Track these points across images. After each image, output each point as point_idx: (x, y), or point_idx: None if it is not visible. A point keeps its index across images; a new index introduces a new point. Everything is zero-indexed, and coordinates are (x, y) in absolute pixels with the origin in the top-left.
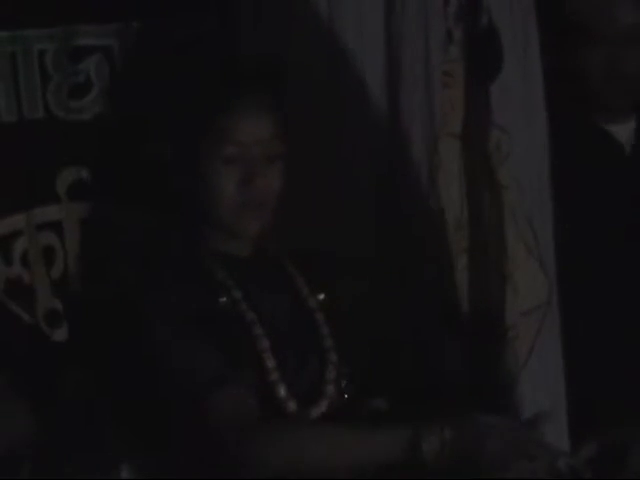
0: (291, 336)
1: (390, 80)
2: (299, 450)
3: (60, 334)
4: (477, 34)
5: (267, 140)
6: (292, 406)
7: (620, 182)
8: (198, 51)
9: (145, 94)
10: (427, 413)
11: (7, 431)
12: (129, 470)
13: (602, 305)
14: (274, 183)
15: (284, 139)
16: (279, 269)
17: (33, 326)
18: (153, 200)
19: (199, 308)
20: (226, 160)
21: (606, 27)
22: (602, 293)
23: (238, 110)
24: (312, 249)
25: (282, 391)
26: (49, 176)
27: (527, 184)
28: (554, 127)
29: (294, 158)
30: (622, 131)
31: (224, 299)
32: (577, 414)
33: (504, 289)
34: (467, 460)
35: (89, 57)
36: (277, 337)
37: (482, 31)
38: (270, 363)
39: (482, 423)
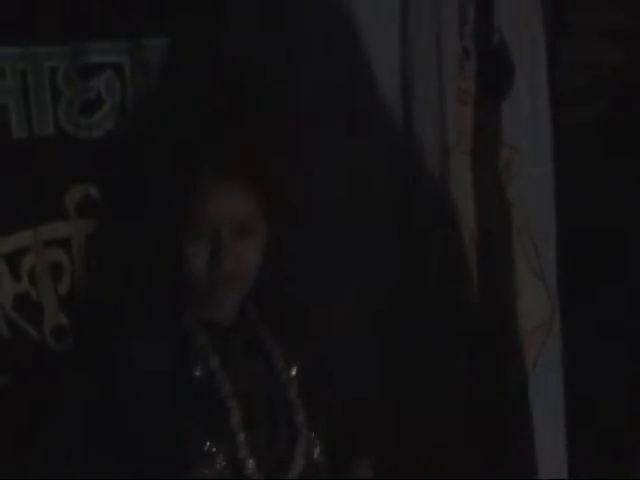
0: (264, 409)
1: (404, 95)
2: None
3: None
4: (489, 52)
5: (241, 217)
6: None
7: None
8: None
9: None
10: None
11: None
12: None
13: (604, 325)
14: (249, 259)
15: (262, 214)
16: (257, 337)
17: (40, 342)
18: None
19: (173, 376)
20: (193, 236)
21: None
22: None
23: (206, 185)
24: (287, 304)
25: (250, 466)
26: (58, 193)
27: (532, 203)
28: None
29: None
30: None
31: (198, 372)
32: (577, 425)
33: (514, 307)
34: None
35: (100, 74)
36: (250, 410)
37: (494, 49)
38: (240, 438)
39: None
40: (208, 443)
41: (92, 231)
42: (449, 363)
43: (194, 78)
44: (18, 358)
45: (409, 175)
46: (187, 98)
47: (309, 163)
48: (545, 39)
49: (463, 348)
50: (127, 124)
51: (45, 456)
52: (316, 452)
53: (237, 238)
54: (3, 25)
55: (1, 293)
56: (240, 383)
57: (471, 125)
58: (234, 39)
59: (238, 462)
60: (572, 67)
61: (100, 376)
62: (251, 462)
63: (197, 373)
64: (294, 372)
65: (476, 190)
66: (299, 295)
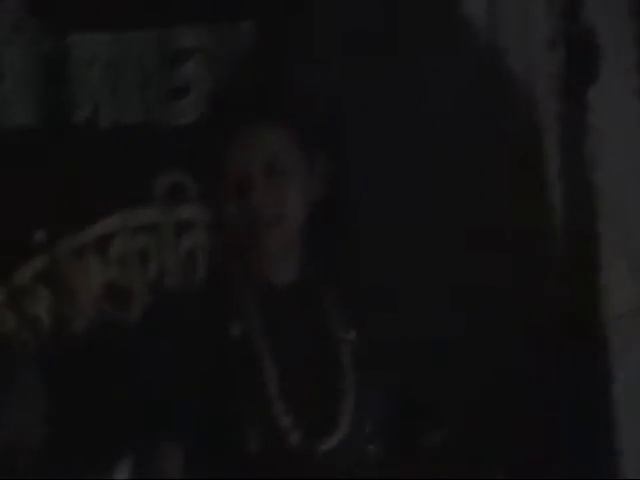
0: (306, 370)
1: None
2: None
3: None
4: (576, 39)
5: (272, 156)
6: (296, 439)
7: None
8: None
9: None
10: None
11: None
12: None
13: None
14: (286, 200)
15: (300, 158)
16: (317, 297)
17: (128, 327)
18: None
19: (208, 334)
20: (224, 181)
21: None
22: None
23: (236, 126)
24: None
25: (286, 422)
26: (146, 179)
27: (620, 187)
28: None
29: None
30: None
31: (237, 329)
32: None
33: (599, 294)
34: None
35: (188, 60)
36: (289, 369)
37: (581, 36)
38: (274, 394)
39: None
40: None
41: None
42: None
43: None
44: (109, 345)
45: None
46: None
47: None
48: (632, 25)
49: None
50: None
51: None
52: (364, 423)
53: (270, 179)
54: (92, 12)
55: (90, 282)
56: (279, 344)
57: (559, 110)
58: None
59: (273, 418)
60: None
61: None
62: (287, 418)
63: (234, 332)
64: (351, 337)
65: (564, 174)
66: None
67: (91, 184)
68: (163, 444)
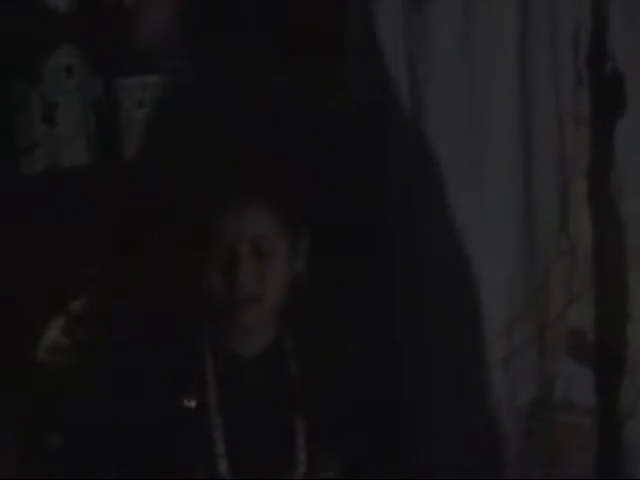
0: (259, 445)
1: (523, 123)
2: None
3: None
4: (603, 77)
5: (257, 236)
6: None
7: None
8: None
9: None
10: None
11: None
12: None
13: None
14: (269, 280)
15: (284, 237)
16: (282, 371)
17: None
18: None
19: (162, 407)
20: (207, 256)
21: None
22: None
23: (223, 205)
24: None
25: None
26: None
27: None
28: None
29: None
30: None
31: (192, 402)
32: None
33: (626, 324)
34: None
35: None
36: (241, 443)
37: (607, 76)
38: (223, 468)
39: None
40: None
41: None
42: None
43: None
44: None
45: (529, 204)
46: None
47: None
48: None
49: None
50: None
51: None
52: None
53: (255, 258)
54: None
55: None
56: (236, 419)
57: (586, 146)
58: None
59: None
60: None
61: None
62: None
63: (191, 403)
64: (314, 410)
65: (591, 211)
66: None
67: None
68: None
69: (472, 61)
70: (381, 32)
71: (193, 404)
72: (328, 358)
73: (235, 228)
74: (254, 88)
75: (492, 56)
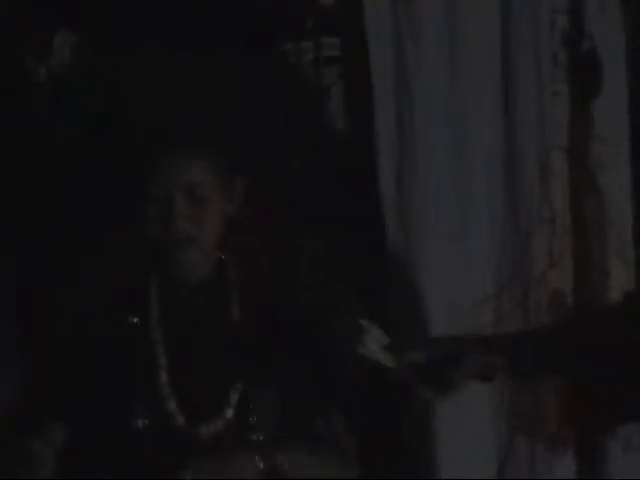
0: (198, 359)
1: (505, 99)
2: None
3: None
4: (580, 58)
5: (192, 184)
6: (180, 420)
7: None
8: None
9: None
10: None
11: None
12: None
13: None
14: (203, 223)
15: (218, 185)
16: (221, 298)
17: None
18: None
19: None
20: (147, 200)
21: None
22: None
23: (161, 153)
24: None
25: (172, 405)
26: None
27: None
28: None
29: None
30: None
31: (135, 319)
32: None
33: (606, 285)
34: None
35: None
36: (182, 358)
37: (584, 55)
38: (163, 379)
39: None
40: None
41: None
42: None
43: None
44: None
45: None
46: None
47: None
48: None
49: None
50: None
51: None
52: (253, 418)
53: (191, 204)
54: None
55: None
56: (177, 334)
57: (565, 123)
58: None
59: (161, 401)
60: None
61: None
62: (173, 401)
63: (128, 323)
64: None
65: (570, 180)
66: None
67: None
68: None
69: (460, 41)
70: None
71: (136, 320)
72: (267, 291)
73: (172, 176)
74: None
75: (477, 38)
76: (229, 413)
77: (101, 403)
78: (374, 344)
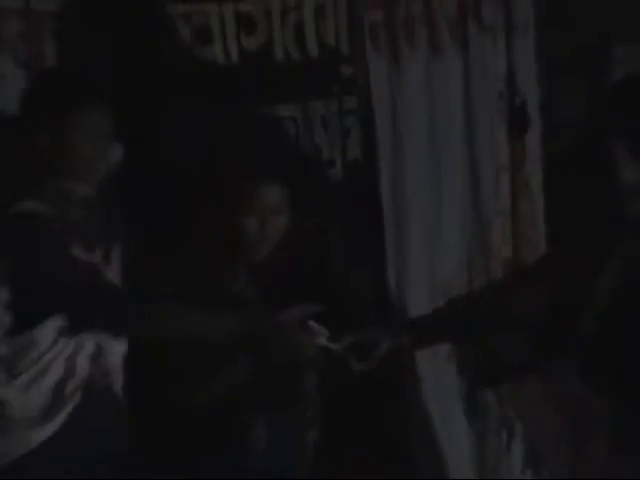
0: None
1: (469, 134)
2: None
3: None
4: (514, 108)
5: (273, 208)
6: None
7: None
8: None
9: None
10: None
11: None
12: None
13: None
14: (275, 231)
15: (287, 204)
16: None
17: None
18: None
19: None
20: (251, 214)
21: None
22: None
23: (260, 189)
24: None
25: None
26: None
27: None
28: None
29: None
30: None
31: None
32: None
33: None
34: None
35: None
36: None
37: (517, 107)
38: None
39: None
40: None
41: None
42: None
43: None
44: None
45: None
46: None
47: None
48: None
49: None
50: None
51: None
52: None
53: (273, 215)
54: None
55: None
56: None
57: (507, 148)
58: None
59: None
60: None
61: None
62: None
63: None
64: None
65: (512, 186)
66: None
67: None
68: None
69: (434, 98)
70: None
71: (239, 286)
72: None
73: (266, 201)
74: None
75: (446, 96)
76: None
77: None
78: (322, 337)
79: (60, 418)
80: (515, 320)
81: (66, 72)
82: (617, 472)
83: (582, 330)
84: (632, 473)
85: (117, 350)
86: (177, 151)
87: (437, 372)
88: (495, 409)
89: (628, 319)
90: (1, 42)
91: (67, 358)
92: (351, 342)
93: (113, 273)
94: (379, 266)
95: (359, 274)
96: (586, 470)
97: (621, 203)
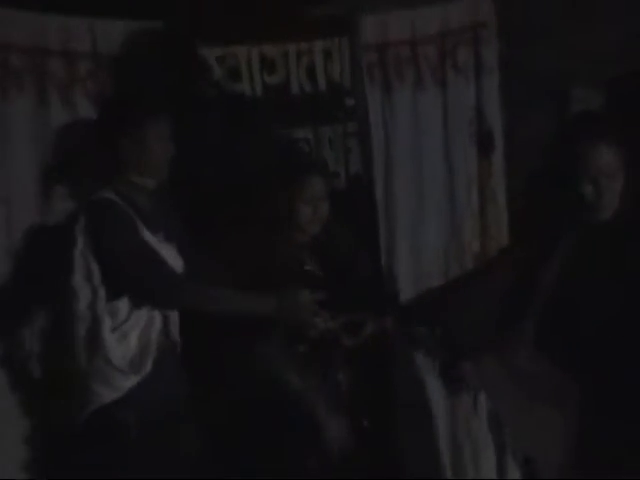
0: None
1: (446, 155)
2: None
3: None
4: (482, 132)
5: (321, 195)
6: None
7: None
8: None
9: None
10: None
11: None
12: None
13: None
14: (323, 216)
15: (327, 194)
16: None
17: None
18: None
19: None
20: (308, 203)
21: None
22: None
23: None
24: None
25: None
26: None
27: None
28: None
29: None
30: None
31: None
32: None
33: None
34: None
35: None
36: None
37: (484, 132)
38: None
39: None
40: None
41: None
42: None
43: None
44: None
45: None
46: None
47: None
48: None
49: None
50: None
51: None
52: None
53: (321, 202)
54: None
55: None
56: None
57: (476, 165)
58: None
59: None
60: None
61: None
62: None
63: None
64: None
65: (479, 195)
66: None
67: None
68: None
69: (419, 121)
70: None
71: (310, 265)
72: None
73: (313, 191)
74: None
75: (428, 122)
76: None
77: None
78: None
79: (143, 370)
80: (480, 303)
81: (137, 92)
82: (570, 438)
83: (534, 311)
84: (587, 439)
85: (176, 319)
86: (217, 159)
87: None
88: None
89: (572, 300)
90: (74, 79)
91: (143, 327)
92: (343, 321)
93: (172, 254)
94: (375, 257)
95: (360, 262)
96: (544, 436)
97: (573, 212)
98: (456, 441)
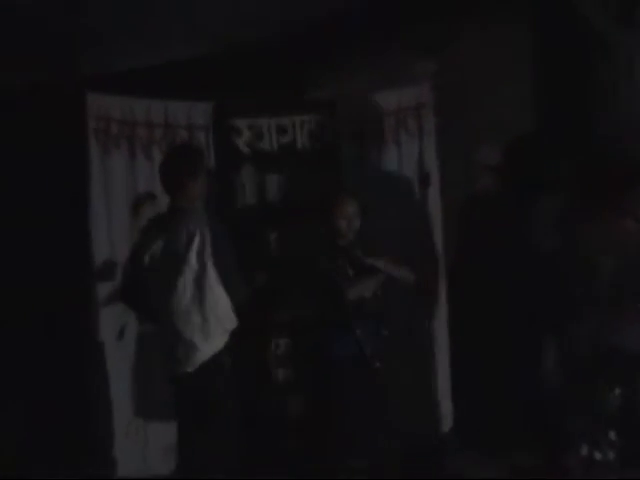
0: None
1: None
2: None
3: None
4: (424, 172)
5: (353, 213)
6: None
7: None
8: None
9: None
10: None
11: None
12: None
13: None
14: (356, 225)
15: (359, 212)
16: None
17: None
18: None
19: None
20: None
21: None
22: None
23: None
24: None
25: None
26: None
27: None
28: None
29: None
30: None
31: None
32: None
33: None
34: None
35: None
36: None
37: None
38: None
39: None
40: None
41: None
42: None
43: None
44: None
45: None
46: None
47: None
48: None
49: None
50: None
51: None
52: None
53: (354, 218)
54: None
55: None
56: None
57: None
58: None
59: None
60: None
61: None
62: None
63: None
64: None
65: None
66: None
67: None
68: None
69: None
70: None
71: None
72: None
73: (344, 206)
74: None
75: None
76: None
77: None
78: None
79: (215, 343)
80: None
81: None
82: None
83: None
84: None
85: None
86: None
87: None
88: None
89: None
90: (152, 140)
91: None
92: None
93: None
94: None
95: None
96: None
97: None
98: None
